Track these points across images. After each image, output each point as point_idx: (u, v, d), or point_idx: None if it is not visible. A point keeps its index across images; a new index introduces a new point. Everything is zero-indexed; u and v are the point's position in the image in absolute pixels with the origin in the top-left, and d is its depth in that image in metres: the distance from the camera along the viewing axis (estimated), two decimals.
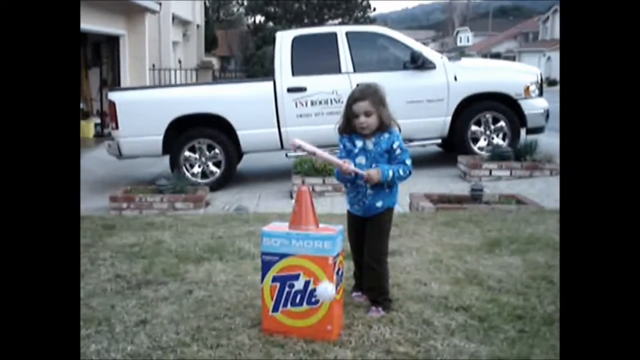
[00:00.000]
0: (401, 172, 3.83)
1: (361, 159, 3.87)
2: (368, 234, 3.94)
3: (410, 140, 10.18)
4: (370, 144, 3.85)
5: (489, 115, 10.28)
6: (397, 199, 3.98)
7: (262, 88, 10.16)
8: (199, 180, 9.86)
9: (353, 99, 3.83)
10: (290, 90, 9.83)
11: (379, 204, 3.89)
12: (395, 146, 3.84)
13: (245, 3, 45.29)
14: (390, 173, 3.79)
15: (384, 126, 3.83)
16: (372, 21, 41.35)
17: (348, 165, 3.77)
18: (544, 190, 8.32)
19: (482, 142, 10.34)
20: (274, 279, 3.62)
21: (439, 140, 10.51)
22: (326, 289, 3.49)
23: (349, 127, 3.87)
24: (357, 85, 3.99)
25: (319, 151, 3.90)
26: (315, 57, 10.26)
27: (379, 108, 3.80)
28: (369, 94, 3.81)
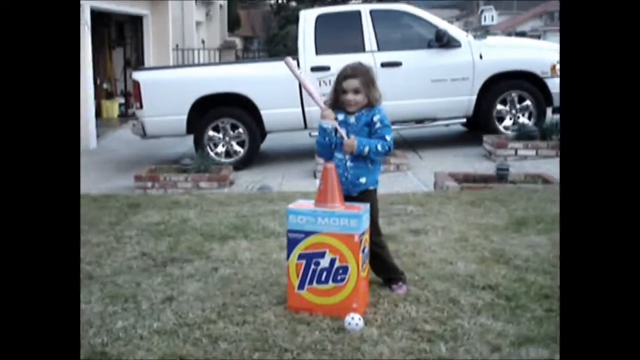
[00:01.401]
0: (379, 148, 3.78)
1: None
2: None
3: (435, 119, 10.13)
4: (352, 118, 3.84)
5: (514, 94, 10.16)
6: (378, 179, 3.94)
7: (285, 67, 10.11)
8: (223, 160, 9.87)
9: (344, 75, 3.83)
10: (314, 69, 9.76)
11: (363, 179, 3.84)
12: (375, 119, 3.82)
13: None
14: (366, 148, 3.76)
15: (370, 105, 3.84)
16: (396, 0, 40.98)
17: (330, 112, 3.79)
18: None
19: (508, 121, 10.23)
20: (300, 257, 3.62)
21: (464, 120, 10.41)
22: (353, 319, 3.45)
23: (337, 103, 3.87)
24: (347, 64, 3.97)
25: (307, 82, 4.03)
26: (339, 35, 10.16)
27: (369, 87, 3.81)
28: (361, 73, 3.82)
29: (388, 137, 3.81)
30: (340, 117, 3.85)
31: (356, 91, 3.79)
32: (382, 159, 4.05)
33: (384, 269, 4.00)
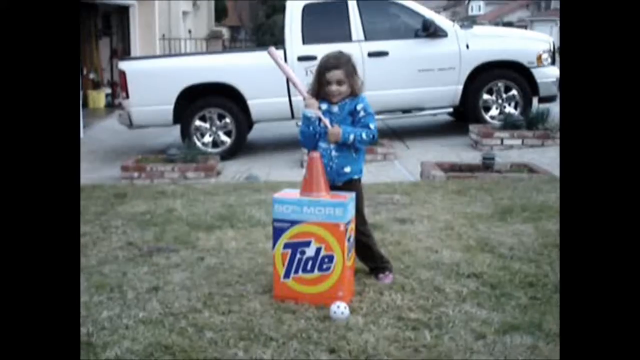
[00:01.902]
0: (364, 136, 3.78)
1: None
2: None
3: (422, 109, 10.14)
4: (335, 108, 3.83)
5: (500, 84, 10.19)
6: (362, 168, 3.95)
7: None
8: (210, 150, 9.85)
9: (326, 67, 3.80)
10: (300, 58, 9.75)
11: (347, 169, 3.84)
12: (359, 108, 3.81)
13: None
14: (352, 136, 3.75)
15: (353, 94, 3.84)
16: None
17: (314, 101, 3.78)
18: (556, 159, 8.25)
19: (494, 111, 10.26)
20: (285, 246, 3.62)
21: (450, 109, 10.44)
22: (338, 307, 3.46)
23: (319, 93, 3.84)
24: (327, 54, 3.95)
25: (290, 72, 4.02)
26: (325, 25, 10.15)
27: (352, 77, 3.80)
28: (343, 63, 3.80)
29: (372, 126, 3.81)
30: (324, 106, 3.83)
31: (340, 82, 3.77)
32: (366, 148, 4.04)
33: (370, 258, 4.01)
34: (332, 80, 3.77)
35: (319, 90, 3.84)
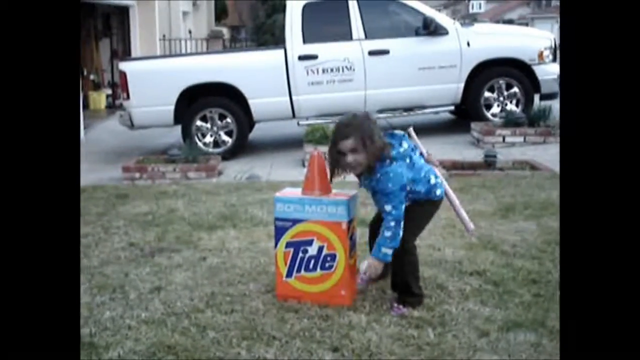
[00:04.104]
0: (387, 234, 3.38)
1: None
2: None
3: (423, 107, 10.12)
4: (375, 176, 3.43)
5: (502, 82, 10.16)
6: (426, 190, 3.57)
7: (273, 56, 10.08)
8: (211, 150, 9.83)
9: (337, 136, 3.41)
10: (301, 58, 9.73)
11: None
12: (377, 189, 3.45)
13: None
14: (383, 250, 3.41)
15: (377, 159, 3.38)
16: None
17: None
18: (558, 156, 8.25)
19: (496, 109, 10.23)
20: (288, 245, 3.61)
21: (452, 107, 10.43)
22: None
23: (338, 164, 3.48)
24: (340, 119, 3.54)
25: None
26: (326, 24, 10.13)
27: (367, 144, 3.33)
28: (354, 130, 3.34)
29: (388, 208, 3.38)
30: (366, 182, 3.51)
31: (354, 150, 3.36)
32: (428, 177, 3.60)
33: (395, 283, 3.66)
34: (345, 150, 3.37)
35: (337, 160, 3.46)
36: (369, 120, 3.41)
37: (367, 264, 3.48)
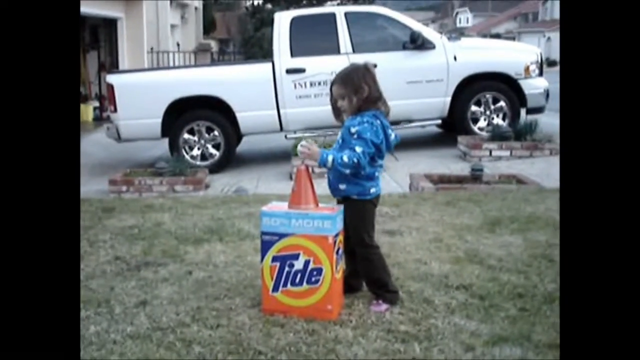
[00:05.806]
0: (344, 159, 3.50)
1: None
2: (347, 219, 3.73)
3: (410, 121, 10.15)
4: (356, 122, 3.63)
5: (489, 95, 10.22)
6: (366, 190, 3.67)
7: (260, 70, 10.10)
8: (198, 163, 9.82)
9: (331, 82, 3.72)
10: (289, 71, 9.76)
11: (342, 186, 3.66)
12: (353, 130, 3.57)
13: None
14: (330, 158, 3.54)
15: (358, 110, 3.63)
16: (371, 2, 40.88)
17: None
18: (544, 170, 8.29)
19: (482, 122, 10.28)
20: (274, 259, 3.61)
21: (439, 121, 10.47)
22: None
23: (337, 110, 3.74)
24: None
25: None
26: (314, 38, 10.17)
27: (352, 91, 3.59)
28: (341, 76, 3.66)
29: (358, 149, 3.51)
30: (348, 123, 3.67)
31: (341, 97, 3.64)
32: (376, 171, 3.72)
33: (369, 281, 3.83)
34: (336, 97, 3.68)
35: (335, 110, 3.77)
36: (362, 71, 3.66)
37: (307, 146, 3.62)
